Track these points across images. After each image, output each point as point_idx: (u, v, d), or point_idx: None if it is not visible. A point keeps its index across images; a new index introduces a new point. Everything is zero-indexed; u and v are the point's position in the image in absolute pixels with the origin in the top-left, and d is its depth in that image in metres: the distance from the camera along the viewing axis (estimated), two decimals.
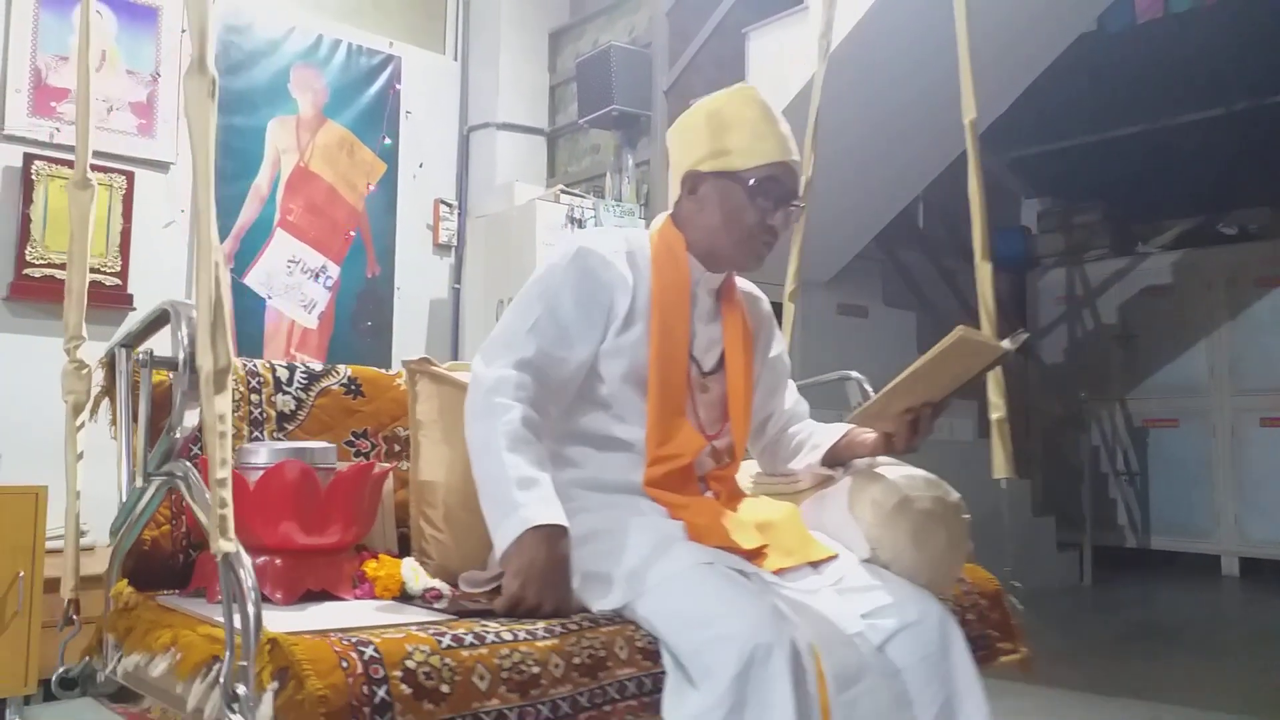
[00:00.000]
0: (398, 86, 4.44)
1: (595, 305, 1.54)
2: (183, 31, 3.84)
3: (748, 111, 1.58)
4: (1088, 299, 6.85)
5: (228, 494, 1.09)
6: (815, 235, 4.40)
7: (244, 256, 3.95)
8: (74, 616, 1.54)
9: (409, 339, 4.41)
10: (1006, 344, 1.47)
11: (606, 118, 4.22)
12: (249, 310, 3.94)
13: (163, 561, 1.56)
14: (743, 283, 1.77)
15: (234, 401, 1.59)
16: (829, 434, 1.72)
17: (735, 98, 1.61)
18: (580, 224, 4.00)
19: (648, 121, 4.21)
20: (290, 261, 4.07)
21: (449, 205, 4.60)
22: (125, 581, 1.51)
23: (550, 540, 1.39)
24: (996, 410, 1.81)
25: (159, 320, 1.44)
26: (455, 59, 4.75)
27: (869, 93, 3.77)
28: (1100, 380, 6.60)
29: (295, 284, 4.08)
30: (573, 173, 4.67)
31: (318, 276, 4.14)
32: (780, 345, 1.83)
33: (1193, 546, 6.25)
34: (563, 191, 4.14)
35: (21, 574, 2.65)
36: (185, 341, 1.25)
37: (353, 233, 4.26)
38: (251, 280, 3.96)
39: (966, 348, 1.45)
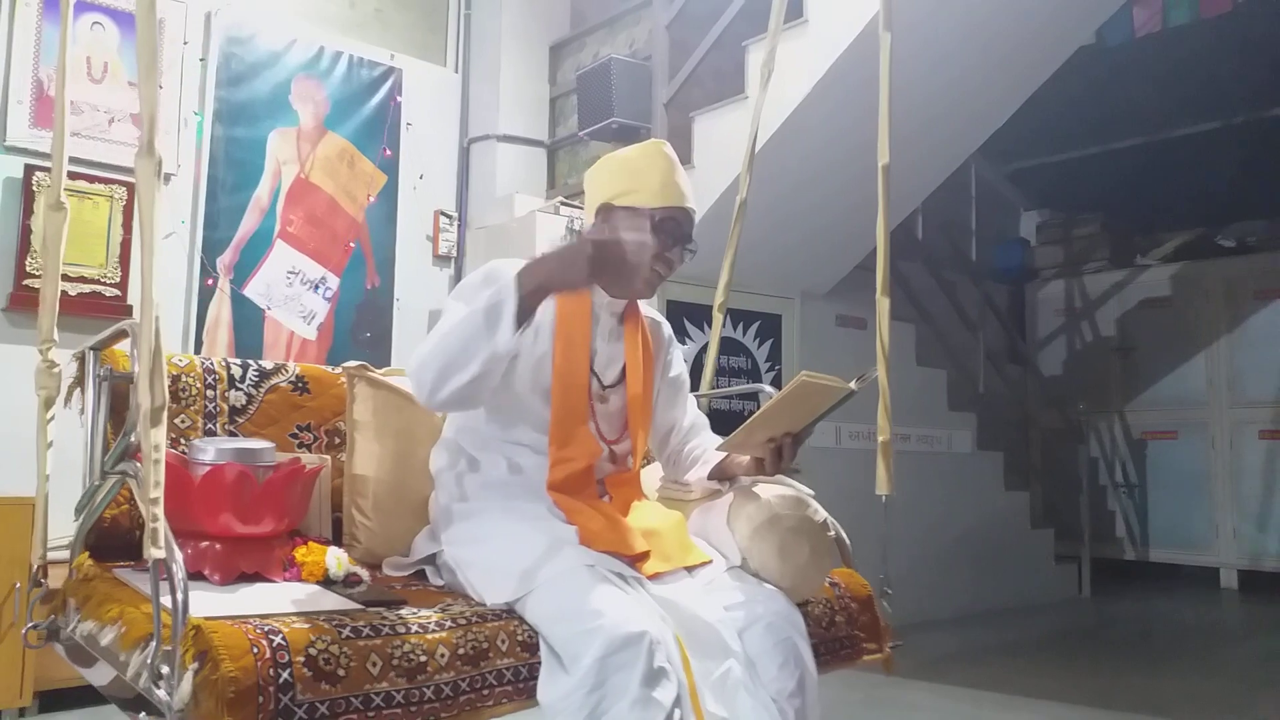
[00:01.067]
0: (398, 98, 4.46)
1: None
2: (185, 44, 3.86)
3: (659, 162, 1.82)
4: (1086, 311, 6.86)
5: (159, 510, 1.29)
6: (815, 248, 4.43)
7: (244, 267, 3.95)
8: (42, 580, 1.76)
9: (408, 350, 4.40)
10: (852, 385, 1.68)
11: (607, 130, 4.23)
12: (248, 321, 3.94)
13: (121, 536, 1.75)
14: (647, 310, 1.97)
15: (190, 396, 1.90)
16: (713, 457, 1.94)
17: (648, 150, 1.85)
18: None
19: (648, 134, 4.22)
20: (290, 272, 4.07)
21: (449, 217, 4.61)
22: (87, 554, 1.73)
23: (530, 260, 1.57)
24: (883, 433, 2.00)
25: (118, 335, 1.71)
26: (456, 71, 4.76)
27: (867, 107, 3.78)
28: (1099, 392, 6.60)
29: (295, 295, 4.08)
30: (573, 185, 4.67)
31: (317, 287, 4.14)
32: (680, 366, 2.05)
33: (1192, 559, 6.24)
34: (562, 203, 4.15)
35: (18, 585, 2.65)
36: (139, 359, 1.39)
37: (353, 244, 4.26)
38: (251, 291, 3.97)
39: (810, 389, 1.67)
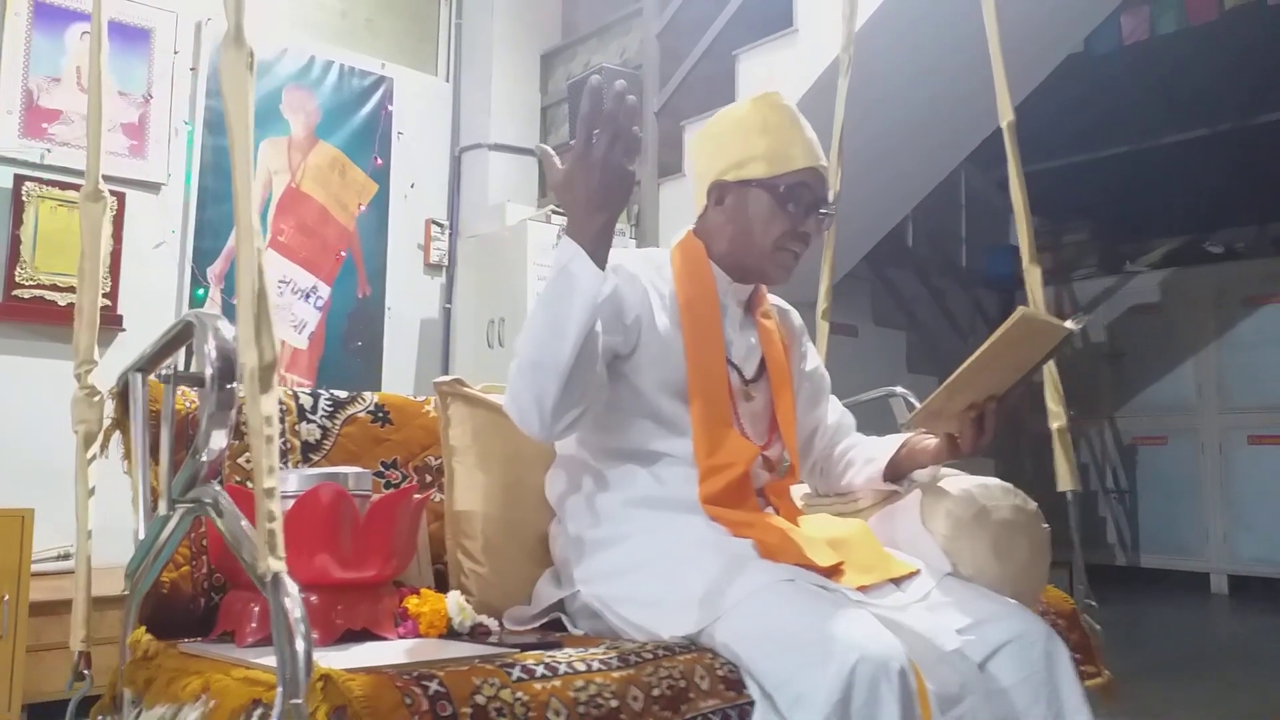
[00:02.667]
0: (390, 107, 4.46)
1: (609, 301, 1.42)
2: (175, 53, 3.85)
3: (774, 118, 1.53)
4: (1076, 317, 6.88)
5: (276, 505, 0.97)
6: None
7: (234, 278, 3.94)
8: (85, 671, 1.39)
9: (399, 359, 4.40)
10: (1070, 324, 1.38)
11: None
12: None
13: (182, 606, 1.43)
14: (772, 297, 1.71)
15: None
16: (885, 446, 1.64)
17: (761, 104, 1.55)
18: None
19: (638, 143, 4.22)
20: (281, 282, 4.06)
21: (440, 225, 4.61)
22: (143, 629, 1.37)
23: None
24: (1056, 419, 1.76)
25: (178, 338, 1.32)
26: (447, 80, 4.76)
27: (857, 114, 3.80)
28: (1089, 398, 6.62)
29: (285, 304, 4.07)
30: None
31: (308, 297, 4.13)
32: (816, 359, 1.78)
33: (1182, 564, 6.26)
34: (554, 212, 4.15)
35: (6, 598, 2.63)
36: (212, 356, 1.15)
37: (344, 253, 4.26)
38: None
39: (1029, 328, 1.35)
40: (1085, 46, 4.98)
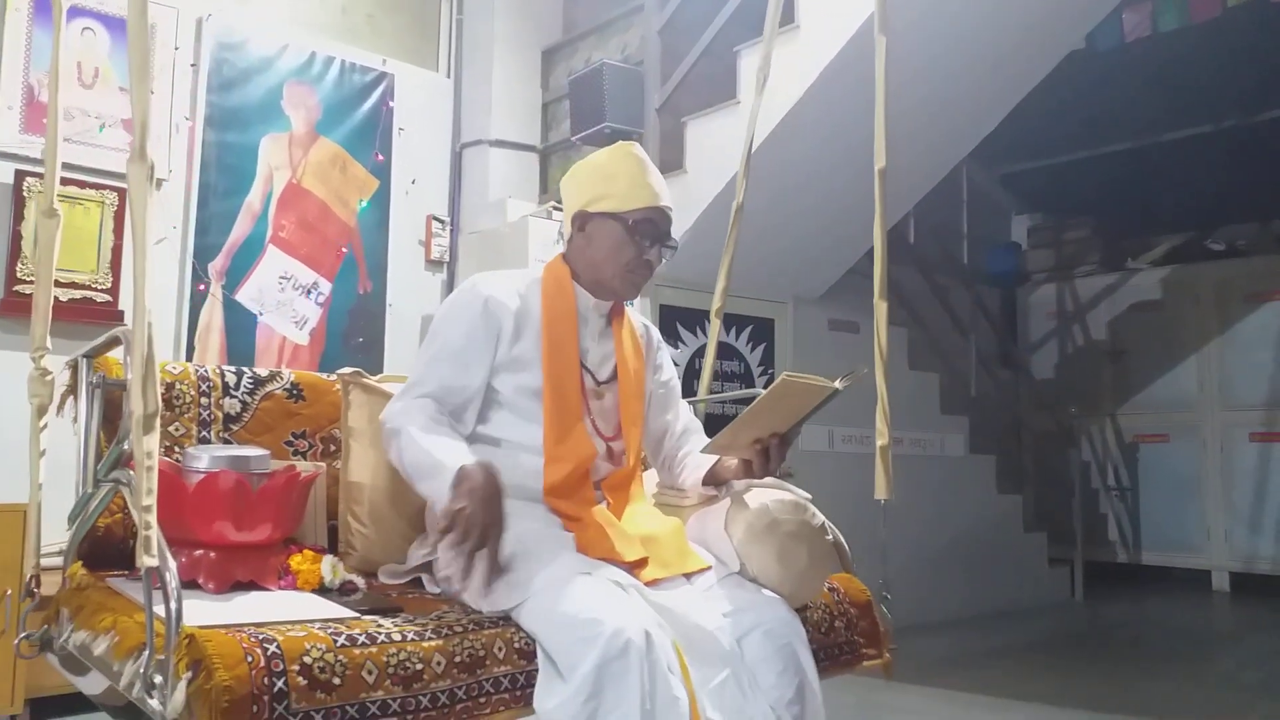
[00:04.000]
0: (391, 103, 4.45)
1: (484, 329, 1.77)
2: (176, 49, 3.85)
3: (626, 164, 1.83)
4: (1078, 314, 6.88)
5: (152, 517, 1.26)
6: (807, 252, 4.44)
7: (236, 273, 3.94)
8: (35, 590, 1.72)
9: (400, 355, 4.40)
10: (836, 384, 1.67)
11: (599, 135, 4.23)
12: (240, 327, 3.93)
13: (114, 546, 1.74)
14: (634, 315, 1.99)
15: (184, 403, 1.89)
16: (706, 459, 1.92)
17: (616, 153, 1.86)
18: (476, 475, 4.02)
19: (639, 138, 4.22)
20: (282, 278, 4.06)
21: (441, 221, 4.60)
22: (80, 564, 1.71)
23: (482, 468, 1.57)
24: (881, 437, 1.97)
25: (110, 343, 1.67)
26: (448, 76, 4.76)
27: (859, 110, 3.79)
28: (1091, 396, 6.62)
29: (287, 300, 4.07)
30: None
31: (309, 293, 4.13)
32: (671, 370, 2.05)
33: (1184, 561, 6.26)
34: (554, 208, 4.15)
35: (9, 592, 2.63)
36: (132, 366, 1.38)
37: (345, 249, 4.26)
38: (243, 297, 3.96)
39: (793, 389, 1.66)
40: (1087, 43, 4.97)
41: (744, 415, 1.71)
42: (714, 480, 1.92)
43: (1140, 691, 3.64)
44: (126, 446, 1.48)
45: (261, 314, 4.00)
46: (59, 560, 3.10)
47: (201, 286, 3.86)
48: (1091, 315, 6.81)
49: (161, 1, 3.80)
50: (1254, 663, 4.30)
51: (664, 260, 1.86)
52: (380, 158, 4.40)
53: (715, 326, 2.59)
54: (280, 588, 1.64)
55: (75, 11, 3.63)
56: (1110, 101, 6.28)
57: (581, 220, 1.85)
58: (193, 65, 3.91)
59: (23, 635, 1.71)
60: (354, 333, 4.25)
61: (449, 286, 4.56)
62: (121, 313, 3.59)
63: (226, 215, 3.93)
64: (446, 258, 4.59)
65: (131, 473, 1.38)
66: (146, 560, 1.24)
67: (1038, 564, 5.70)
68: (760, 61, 2.61)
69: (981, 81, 4.04)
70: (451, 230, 4.61)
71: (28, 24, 3.52)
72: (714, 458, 1.90)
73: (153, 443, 1.29)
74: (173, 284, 3.81)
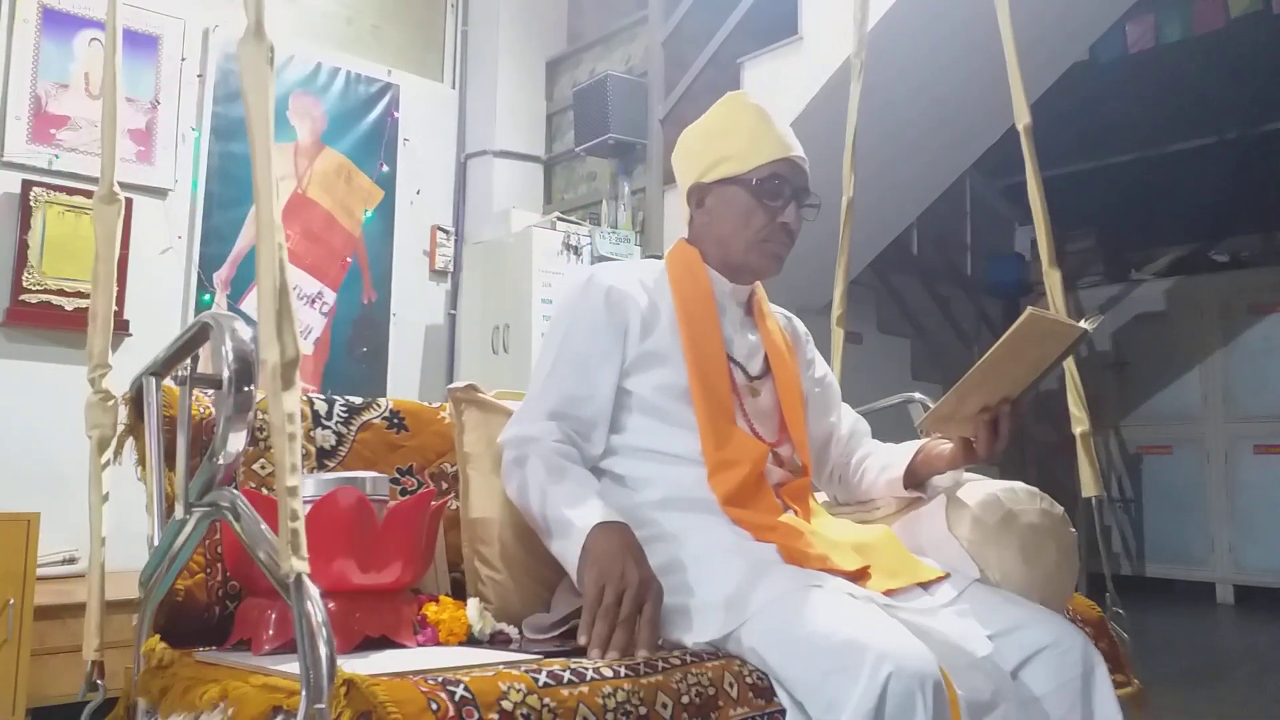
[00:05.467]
0: (396, 114, 4.47)
1: (608, 328, 1.48)
2: (183, 60, 3.87)
3: (740, 116, 1.56)
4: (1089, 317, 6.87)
5: (299, 504, 0.95)
6: (810, 262, 4.42)
7: (241, 282, 3.95)
8: (98, 681, 1.35)
9: (405, 365, 4.41)
10: (1084, 324, 1.37)
11: (603, 146, 4.25)
12: None
13: (197, 614, 1.39)
14: (775, 307, 1.73)
15: (268, 438, 1.41)
16: (902, 453, 1.62)
17: (725, 106, 1.59)
18: (576, 251, 4.02)
19: (644, 150, 4.24)
20: None
21: (446, 232, 4.62)
22: (157, 637, 1.33)
23: (617, 530, 1.30)
24: (1079, 424, 1.73)
25: (194, 340, 1.30)
26: (453, 87, 4.78)
27: (863, 120, 3.80)
28: (1094, 407, 6.51)
29: None
30: (569, 200, 4.69)
31: (314, 303, 4.14)
32: (825, 367, 1.78)
33: (1187, 574, 6.24)
34: (559, 219, 4.16)
35: (11, 601, 2.64)
36: (229, 357, 1.13)
37: (349, 259, 4.27)
38: (248, 306, 3.96)
39: (1038, 328, 1.34)
40: (1090, 55, 4.98)
41: (975, 370, 1.39)
42: (915, 479, 1.59)
43: (1143, 703, 3.63)
44: (221, 461, 1.12)
45: None
46: (60, 570, 3.12)
47: (207, 296, 3.87)
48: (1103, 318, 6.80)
49: (168, 13, 3.83)
50: (1258, 676, 4.28)
51: (808, 219, 1.57)
52: (385, 168, 4.41)
53: (839, 335, 2.33)
54: (419, 643, 1.31)
55: (83, 23, 3.65)
56: (1114, 113, 6.29)
57: (699, 195, 1.57)
58: (199, 76, 3.93)
59: None
60: (358, 342, 4.26)
61: (453, 297, 4.58)
62: (128, 322, 3.60)
63: (232, 225, 3.94)
64: (451, 268, 4.60)
65: (234, 492, 1.10)
66: (295, 564, 0.93)
67: None
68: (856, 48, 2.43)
69: (984, 92, 4.04)
70: (456, 240, 4.63)
71: (35, 36, 3.54)
72: (911, 451, 1.60)
73: (293, 400, 0.96)
74: (178, 293, 3.82)
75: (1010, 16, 1.95)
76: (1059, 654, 1.30)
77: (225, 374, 1.10)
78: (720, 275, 1.58)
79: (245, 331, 1.15)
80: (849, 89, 3.60)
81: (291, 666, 0.94)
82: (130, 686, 1.32)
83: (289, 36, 4.23)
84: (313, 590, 0.93)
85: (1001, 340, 1.35)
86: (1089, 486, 1.70)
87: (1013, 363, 1.39)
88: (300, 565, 0.93)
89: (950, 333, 5.81)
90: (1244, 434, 6.08)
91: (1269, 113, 6.20)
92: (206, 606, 1.40)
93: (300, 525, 0.94)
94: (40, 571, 2.73)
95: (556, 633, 1.42)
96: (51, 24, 3.56)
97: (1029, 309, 1.33)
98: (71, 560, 3.12)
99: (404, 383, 4.37)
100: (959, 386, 1.41)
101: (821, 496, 1.76)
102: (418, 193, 4.54)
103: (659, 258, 1.67)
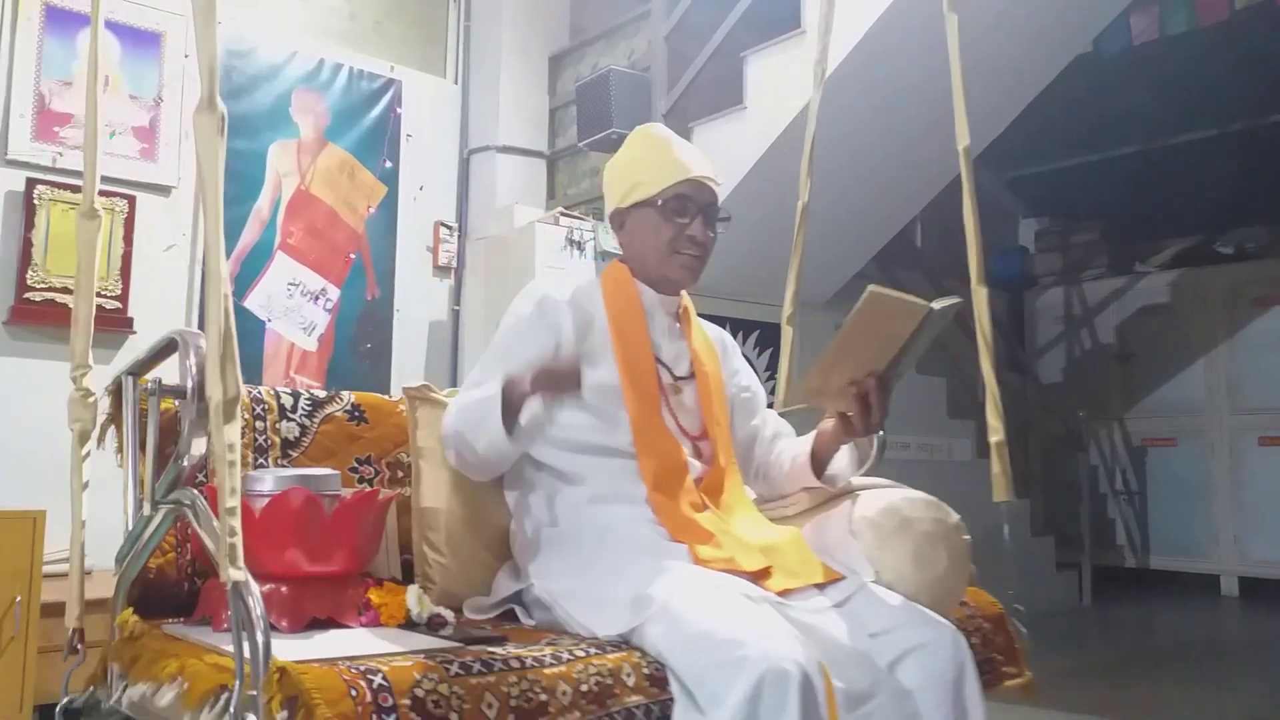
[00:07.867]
0: (398, 110, 4.47)
1: (541, 325, 1.68)
2: (185, 57, 3.87)
3: (648, 146, 1.75)
4: (1086, 318, 6.86)
5: (237, 522, 1.10)
6: (813, 256, 4.41)
7: (244, 279, 3.96)
8: (78, 645, 1.53)
9: (408, 361, 4.41)
10: (933, 305, 1.46)
11: (606, 140, 4.24)
12: (249, 333, 3.95)
13: (168, 590, 1.57)
14: (706, 321, 1.89)
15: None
16: (804, 442, 1.78)
17: (636, 137, 1.78)
18: (580, 246, 4.02)
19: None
20: (290, 284, 4.08)
21: (449, 227, 4.62)
22: (130, 610, 1.50)
23: (519, 378, 1.55)
24: (995, 433, 1.80)
25: (166, 349, 1.46)
26: (456, 83, 4.77)
27: (866, 114, 3.80)
28: (1099, 399, 6.60)
29: (295, 306, 4.09)
30: (572, 195, 4.68)
31: (317, 299, 4.15)
32: (750, 375, 1.93)
33: (1192, 566, 6.24)
34: (562, 214, 4.16)
35: (19, 598, 2.65)
36: (193, 370, 1.26)
37: (353, 255, 4.27)
38: (251, 303, 3.97)
39: (883, 305, 1.43)
40: (1094, 47, 4.97)
41: (831, 345, 1.49)
42: (820, 463, 1.73)
43: (1149, 697, 3.63)
44: (185, 463, 1.31)
45: (270, 320, 4.02)
46: (62, 568, 3.13)
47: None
48: (1099, 319, 6.79)
49: (172, 10, 3.82)
50: (1264, 669, 4.28)
51: (718, 232, 1.74)
52: (388, 164, 4.41)
53: (789, 334, 2.44)
54: (362, 624, 1.47)
55: (87, 20, 3.64)
56: (1118, 105, 6.27)
57: (620, 219, 1.76)
58: None
59: (65, 700, 1.49)
60: (362, 339, 4.26)
61: (456, 292, 4.58)
62: (132, 320, 3.60)
63: (235, 222, 3.95)
64: (454, 264, 4.60)
65: (194, 492, 1.23)
66: (233, 574, 1.08)
67: (1046, 568, 5.68)
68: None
69: (989, 84, 4.04)
70: (459, 236, 4.63)
71: (39, 34, 3.54)
72: (811, 438, 1.73)
73: (234, 433, 1.11)
74: (182, 291, 3.83)
75: (1003, 18, 1.94)
76: (929, 653, 1.41)
77: (189, 384, 1.24)
78: (648, 288, 1.76)
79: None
80: (854, 82, 3.61)
81: (245, 650, 1.10)
82: (107, 653, 1.50)
83: (292, 32, 4.23)
84: (253, 588, 1.09)
85: (849, 317, 1.45)
86: (1000, 492, 1.80)
87: (867, 339, 1.49)
88: (237, 575, 1.09)
89: (954, 325, 5.78)
90: (1249, 426, 6.07)
91: (1274, 104, 6.18)
92: (176, 582, 1.57)
93: (238, 540, 1.10)
94: (46, 569, 2.74)
95: (495, 613, 1.62)
96: (54, 21, 3.56)
97: (870, 287, 1.43)
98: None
99: (408, 379, 4.37)
100: (820, 361, 1.52)
101: (752, 495, 1.87)
102: (421, 189, 4.54)
103: (551, 267, 1.87)
